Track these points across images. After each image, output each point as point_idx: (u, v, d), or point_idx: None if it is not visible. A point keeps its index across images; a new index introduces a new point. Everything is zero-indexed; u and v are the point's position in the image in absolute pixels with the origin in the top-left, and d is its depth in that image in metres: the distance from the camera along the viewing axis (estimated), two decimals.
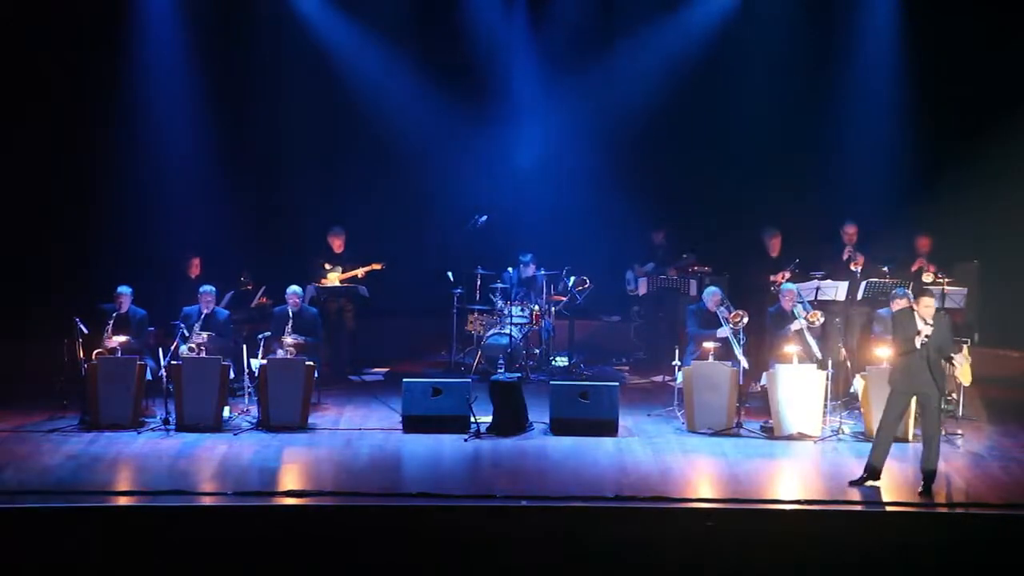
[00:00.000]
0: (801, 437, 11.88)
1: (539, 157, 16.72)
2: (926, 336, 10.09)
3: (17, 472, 10.49)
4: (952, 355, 10.93)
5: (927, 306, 10.19)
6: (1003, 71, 15.28)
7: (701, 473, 10.93)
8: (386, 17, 16.20)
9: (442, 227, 16.24)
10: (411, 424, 12.03)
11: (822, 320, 12.84)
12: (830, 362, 12.19)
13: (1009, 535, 9.61)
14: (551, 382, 12.85)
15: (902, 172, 15.79)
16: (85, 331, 12.47)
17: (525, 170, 16.67)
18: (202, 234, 15.22)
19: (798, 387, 11.97)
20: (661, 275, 15.64)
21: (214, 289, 13.20)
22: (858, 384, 12.20)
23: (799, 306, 12.88)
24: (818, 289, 13.63)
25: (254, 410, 12.44)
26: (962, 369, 12.10)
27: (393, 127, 16.31)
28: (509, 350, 14.31)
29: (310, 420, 12.27)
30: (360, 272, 14.81)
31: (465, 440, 11.72)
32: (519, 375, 12.98)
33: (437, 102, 16.43)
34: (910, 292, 12.33)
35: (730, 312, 12.84)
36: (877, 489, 10.24)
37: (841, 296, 13.80)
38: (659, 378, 14.81)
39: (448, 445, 11.56)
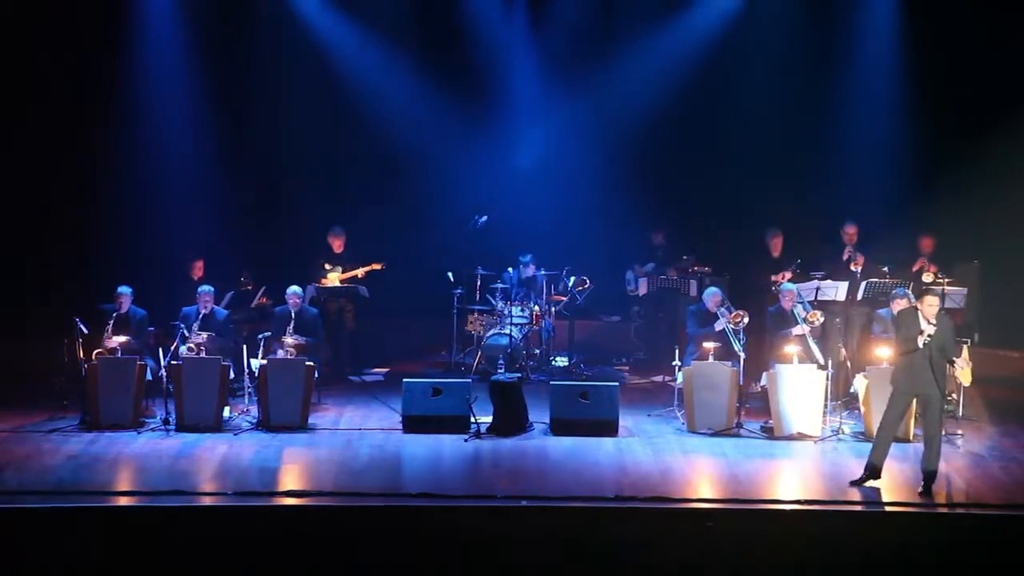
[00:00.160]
0: (801, 437, 11.88)
1: (539, 157, 16.72)
2: (928, 336, 10.09)
3: (17, 472, 10.48)
4: (955, 358, 10.94)
5: (931, 305, 10.17)
6: (1003, 71, 15.28)
7: (701, 473, 10.92)
8: (386, 17, 16.20)
9: (442, 227, 16.21)
10: (411, 424, 12.03)
11: (822, 320, 12.84)
12: (830, 362, 12.19)
13: (1009, 535, 9.61)
14: (551, 382, 12.83)
15: (902, 172, 15.79)
16: (85, 331, 12.47)
17: (525, 170, 16.66)
18: (202, 234, 15.21)
19: (798, 387, 11.97)
20: (661, 275, 15.63)
21: (212, 289, 13.18)
22: (858, 384, 12.19)
23: (799, 306, 12.88)
24: (818, 289, 13.63)
25: (254, 410, 12.44)
26: (962, 371, 12.09)
27: (393, 127, 16.30)
28: (509, 350, 14.30)
29: (310, 420, 12.26)
30: (360, 272, 14.81)
31: (465, 440, 11.72)
32: (519, 375, 12.96)
33: (437, 102, 16.42)
34: (910, 292, 12.35)
35: (731, 312, 12.84)
36: (877, 489, 10.24)
37: (841, 296, 13.80)
38: (659, 378, 14.81)
39: (448, 445, 11.55)
